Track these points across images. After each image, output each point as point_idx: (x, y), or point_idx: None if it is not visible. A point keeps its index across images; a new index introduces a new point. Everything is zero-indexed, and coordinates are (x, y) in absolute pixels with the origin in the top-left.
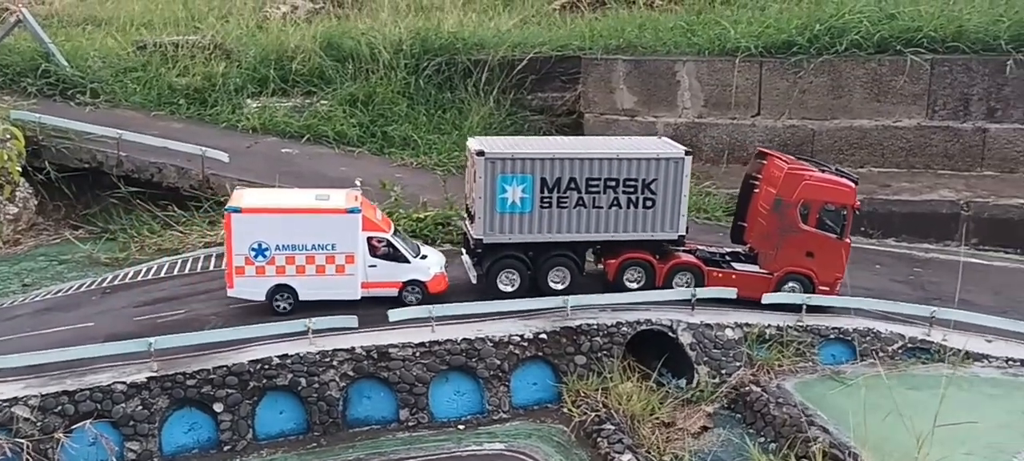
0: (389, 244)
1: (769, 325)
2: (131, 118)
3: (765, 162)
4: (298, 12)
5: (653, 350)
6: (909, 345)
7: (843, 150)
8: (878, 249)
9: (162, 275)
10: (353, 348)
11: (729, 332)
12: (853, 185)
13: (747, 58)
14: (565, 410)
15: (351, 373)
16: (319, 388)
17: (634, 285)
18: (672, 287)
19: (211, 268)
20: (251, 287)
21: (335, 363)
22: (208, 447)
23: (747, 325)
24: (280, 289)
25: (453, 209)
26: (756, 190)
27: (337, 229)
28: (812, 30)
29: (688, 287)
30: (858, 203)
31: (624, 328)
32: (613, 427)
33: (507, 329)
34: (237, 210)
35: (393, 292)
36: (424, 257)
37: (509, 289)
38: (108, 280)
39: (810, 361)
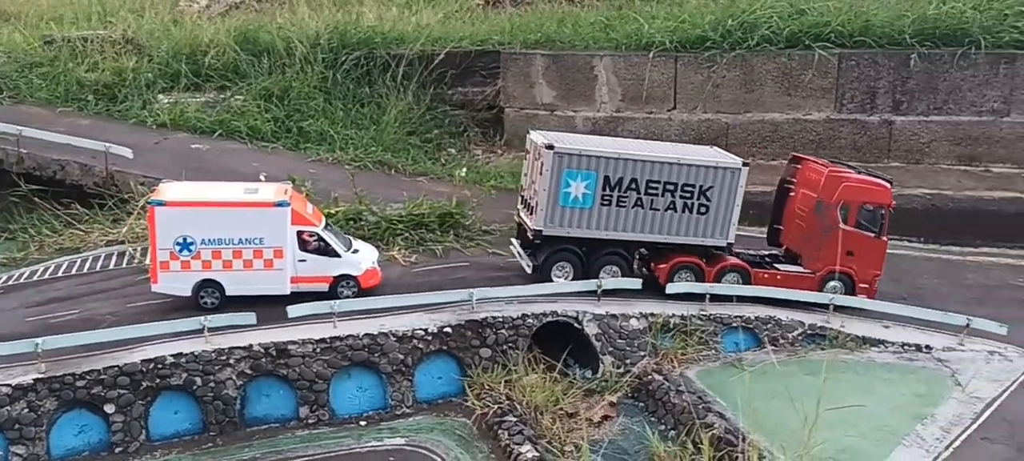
0: (319, 238)
1: (673, 315)
2: (36, 115)
3: (799, 166)
4: (212, 9)
5: (561, 342)
6: (809, 332)
7: (756, 143)
8: None
9: (60, 275)
10: (251, 345)
11: (634, 322)
12: (889, 186)
13: (662, 53)
14: (469, 403)
15: (249, 371)
16: (215, 387)
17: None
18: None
19: (112, 267)
20: (176, 282)
21: (232, 361)
22: (99, 449)
23: (652, 315)
24: (206, 284)
25: (363, 204)
26: (791, 194)
27: (265, 223)
28: (725, 26)
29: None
30: (894, 203)
31: (530, 320)
32: (515, 419)
33: (411, 323)
34: (161, 204)
35: (324, 287)
36: (356, 251)
37: (562, 281)
38: (2, 281)
39: (713, 349)
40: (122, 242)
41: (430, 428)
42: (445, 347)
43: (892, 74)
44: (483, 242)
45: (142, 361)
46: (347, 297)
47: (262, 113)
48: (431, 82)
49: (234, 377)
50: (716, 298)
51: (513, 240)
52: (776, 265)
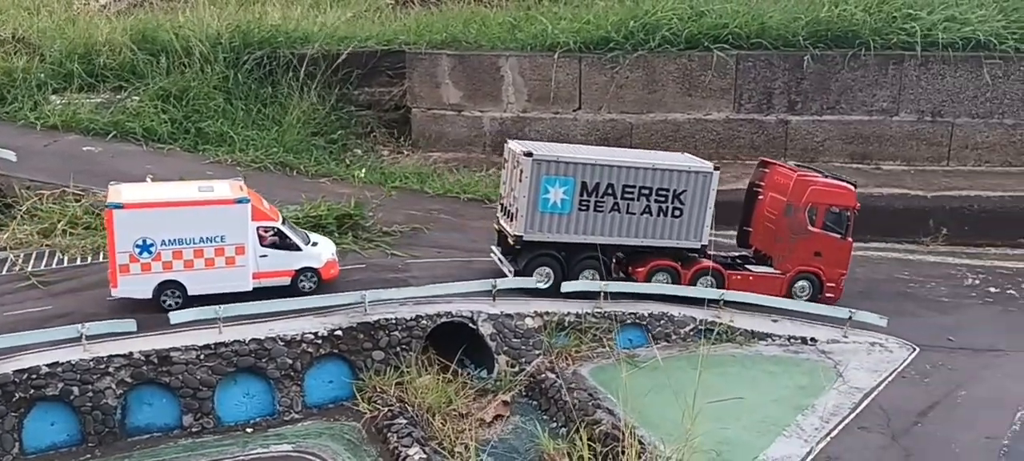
0: (279, 233)
1: (569, 313)
2: None
3: (767, 170)
4: (110, 8)
5: (457, 342)
6: (700, 327)
7: (659, 143)
8: None
9: None
10: (131, 353)
11: (529, 321)
12: (853, 189)
13: (567, 54)
14: (360, 407)
15: (129, 379)
16: (94, 397)
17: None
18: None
19: None
20: (137, 285)
21: (111, 370)
22: None
23: (547, 314)
24: (168, 285)
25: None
26: (760, 197)
27: (226, 220)
28: (627, 27)
29: (712, 288)
30: (858, 205)
31: (424, 321)
32: (405, 421)
33: (300, 327)
34: (119, 206)
35: (286, 281)
36: (315, 244)
37: (543, 286)
38: None
39: (607, 346)
40: (3, 248)
41: (319, 433)
42: (336, 350)
43: (787, 75)
44: (383, 243)
45: (15, 371)
46: (308, 290)
47: (159, 114)
48: (336, 82)
49: (114, 386)
50: (611, 295)
51: (493, 247)
52: (747, 266)
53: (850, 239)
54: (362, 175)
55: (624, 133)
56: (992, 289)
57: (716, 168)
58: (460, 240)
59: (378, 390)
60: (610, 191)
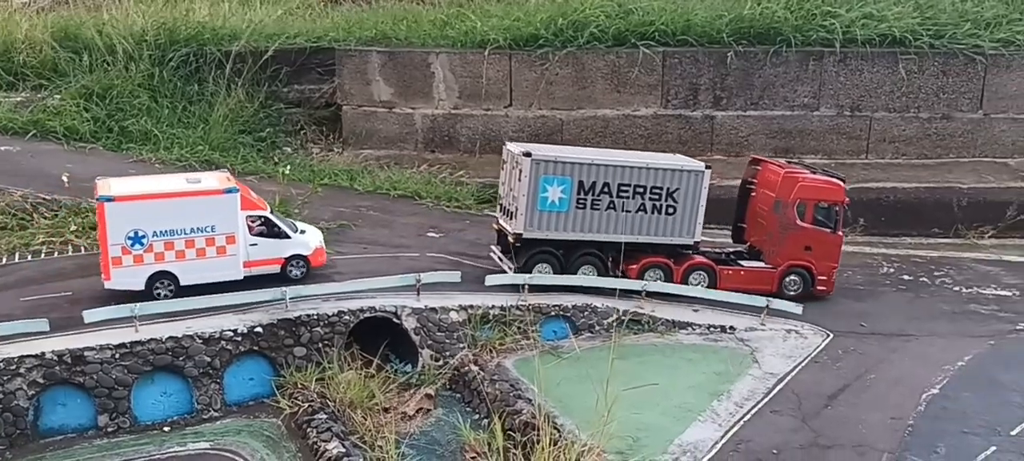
0: (268, 221)
1: (493, 306)
2: None
3: (759, 168)
4: (32, 5)
5: (382, 337)
6: (623, 317)
7: (590, 139)
8: None
9: None
10: (43, 353)
11: (453, 315)
12: (842, 183)
13: (497, 51)
14: (281, 404)
15: (41, 380)
16: (4, 398)
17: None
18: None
19: None
20: (129, 277)
21: (22, 370)
22: None
23: (471, 307)
24: (160, 276)
25: None
26: (753, 194)
27: (216, 210)
28: (557, 24)
29: (702, 285)
30: (847, 200)
31: (346, 317)
32: (325, 416)
33: (219, 324)
34: (110, 199)
35: (276, 269)
36: (303, 232)
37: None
38: None
39: (532, 338)
40: None
41: (238, 430)
42: (256, 348)
43: (712, 71)
44: None
45: None
46: (298, 276)
47: (81, 112)
48: (265, 80)
49: (25, 387)
50: (535, 288)
51: (493, 247)
52: (739, 262)
53: (841, 233)
54: (287, 172)
55: (555, 129)
56: (905, 277)
57: (708, 167)
58: (387, 236)
59: (299, 386)
60: (606, 190)
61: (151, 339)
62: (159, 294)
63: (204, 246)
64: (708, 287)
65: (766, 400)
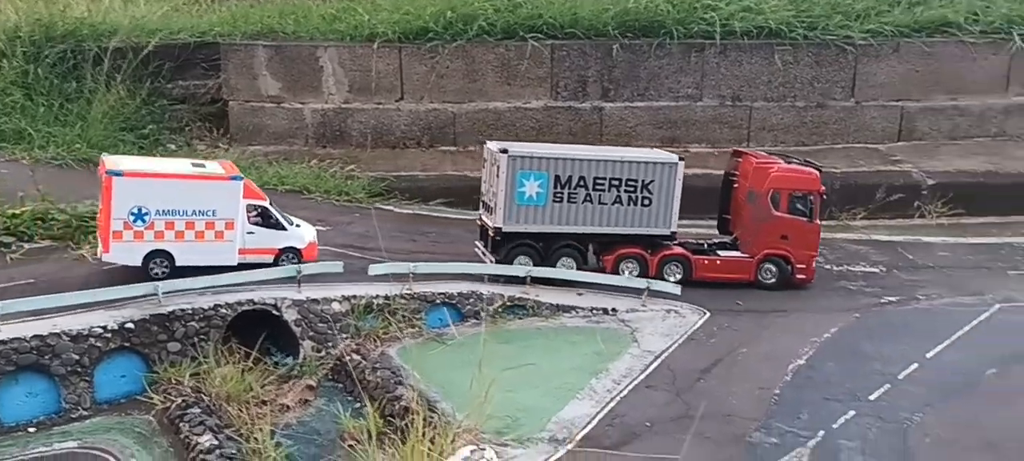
0: (266, 212)
1: (377, 296)
2: None
3: (741, 160)
4: None
5: (263, 330)
6: (509, 303)
7: (482, 132)
8: None
9: None
10: None
11: (336, 305)
12: (817, 173)
13: (387, 44)
14: (153, 399)
15: None
16: None
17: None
18: (663, 277)
19: None
20: (127, 252)
21: None
22: None
23: (355, 297)
24: (157, 254)
25: (47, 202)
26: (735, 186)
27: (219, 196)
28: (446, 17)
29: (676, 277)
30: (823, 189)
31: (223, 310)
32: (199, 411)
33: (88, 321)
34: (119, 173)
35: (269, 259)
36: (298, 226)
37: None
38: None
39: (417, 327)
40: None
41: (107, 428)
42: (128, 344)
43: (599, 64)
44: None
45: None
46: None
47: None
48: (147, 76)
49: None
50: (419, 277)
51: (477, 243)
52: (718, 252)
53: (818, 222)
54: None
55: (447, 123)
56: None
57: (681, 159)
58: None
59: (173, 382)
60: (582, 183)
61: (13, 338)
62: (154, 273)
63: (203, 229)
64: (683, 278)
65: (642, 377)
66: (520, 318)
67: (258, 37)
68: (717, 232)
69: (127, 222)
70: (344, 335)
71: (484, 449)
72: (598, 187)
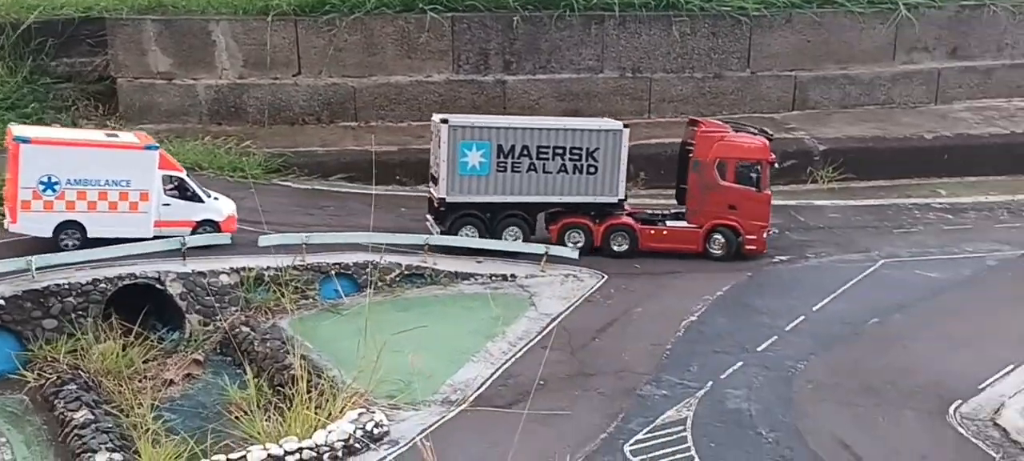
0: (183, 183)
1: (268, 267)
2: None
3: (696, 128)
4: None
5: (148, 304)
6: (406, 272)
7: (383, 106)
8: (407, 194)
9: None
10: None
11: (224, 278)
12: (766, 141)
13: (281, 17)
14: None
15: None
16: None
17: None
18: (609, 246)
19: None
20: (37, 222)
21: None
22: None
23: (244, 270)
24: (68, 225)
25: None
26: (691, 155)
27: (134, 165)
28: None
29: (622, 246)
30: (773, 157)
31: (103, 285)
32: (75, 387)
33: None
34: (26, 140)
35: (187, 231)
36: (216, 199)
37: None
38: None
39: (310, 298)
40: None
41: None
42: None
43: (501, 36)
44: None
45: None
46: None
47: None
48: (29, 53)
49: None
50: (312, 248)
51: (428, 215)
52: (668, 222)
53: (767, 191)
54: None
55: (347, 97)
56: None
57: (626, 127)
58: None
59: (49, 360)
60: (525, 152)
61: None
62: (65, 244)
63: (117, 200)
64: (629, 248)
65: (538, 338)
66: (418, 287)
67: (146, 11)
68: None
69: (36, 191)
70: (233, 308)
71: (373, 412)
72: (542, 156)
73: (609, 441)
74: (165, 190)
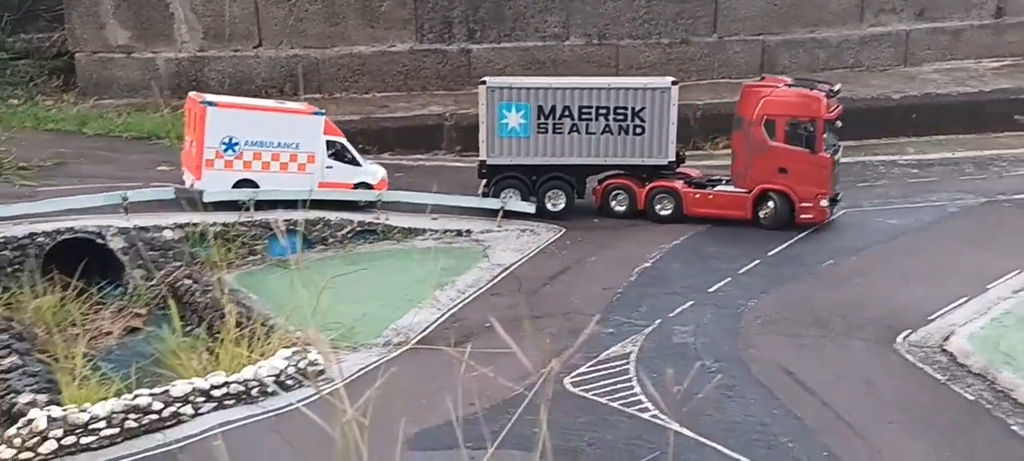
0: (343, 148)
1: (215, 223)
2: None
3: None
4: None
5: (91, 259)
6: (358, 228)
7: (347, 77)
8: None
9: None
10: None
11: (168, 233)
12: (822, 96)
13: None
14: None
15: None
16: None
17: (620, 208)
18: (654, 211)
19: None
20: (218, 180)
21: None
22: None
23: (190, 225)
24: (244, 183)
25: None
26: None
27: (303, 129)
28: None
29: (667, 210)
30: (832, 114)
31: (40, 239)
32: (7, 336)
33: None
34: (213, 104)
35: (347, 192)
36: (371, 164)
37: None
38: None
39: (259, 254)
40: None
41: None
42: None
43: (464, 3)
44: (12, 176)
45: None
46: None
47: None
48: None
49: None
50: (262, 205)
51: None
52: (716, 187)
53: (825, 154)
54: None
55: (310, 69)
56: None
57: (674, 83)
58: (111, 171)
59: None
60: (567, 113)
61: None
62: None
63: (288, 161)
64: (673, 213)
65: (489, 285)
66: (371, 243)
67: None
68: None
69: (218, 151)
70: (178, 263)
71: (308, 351)
72: (585, 116)
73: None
74: (328, 154)
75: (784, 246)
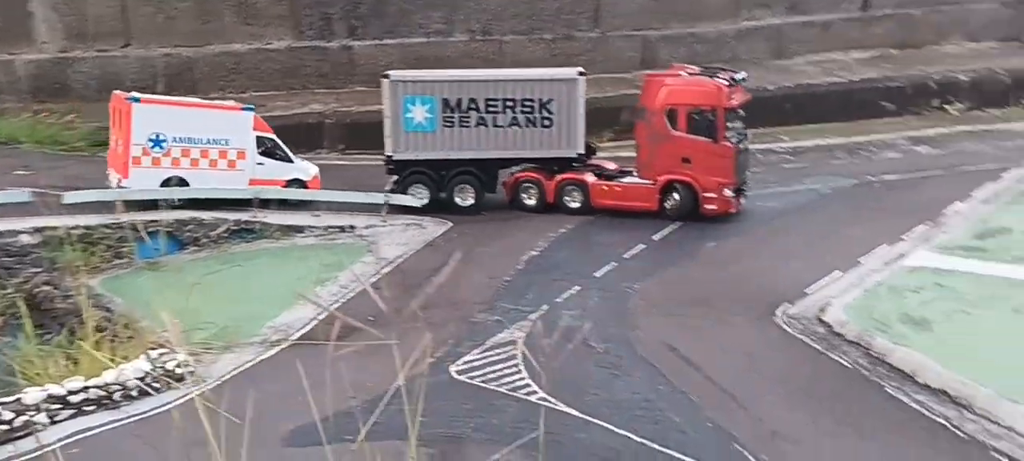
0: (274, 144)
1: (77, 226)
2: None
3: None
4: None
5: None
6: (234, 227)
7: (223, 77)
8: None
9: None
10: None
11: (25, 238)
12: (722, 85)
13: None
14: None
15: None
16: None
17: (531, 202)
18: (563, 203)
19: None
20: (145, 178)
21: None
22: None
23: (49, 229)
24: (173, 181)
25: None
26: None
27: (232, 125)
28: None
29: (576, 202)
30: (732, 103)
31: None
32: None
33: None
34: (137, 100)
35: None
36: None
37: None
38: None
39: (126, 256)
40: None
41: None
42: None
43: (344, 0)
44: None
45: None
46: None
47: None
48: None
49: None
50: (133, 205)
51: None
52: (623, 179)
53: (727, 143)
54: None
55: (184, 68)
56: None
57: (582, 74)
58: None
59: None
60: (473, 106)
61: None
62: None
63: (217, 158)
64: (582, 205)
65: (373, 280)
66: (248, 242)
67: None
68: None
69: (145, 148)
70: (37, 269)
71: (175, 352)
72: (491, 109)
73: (436, 365)
74: (259, 151)
75: (668, 231)
